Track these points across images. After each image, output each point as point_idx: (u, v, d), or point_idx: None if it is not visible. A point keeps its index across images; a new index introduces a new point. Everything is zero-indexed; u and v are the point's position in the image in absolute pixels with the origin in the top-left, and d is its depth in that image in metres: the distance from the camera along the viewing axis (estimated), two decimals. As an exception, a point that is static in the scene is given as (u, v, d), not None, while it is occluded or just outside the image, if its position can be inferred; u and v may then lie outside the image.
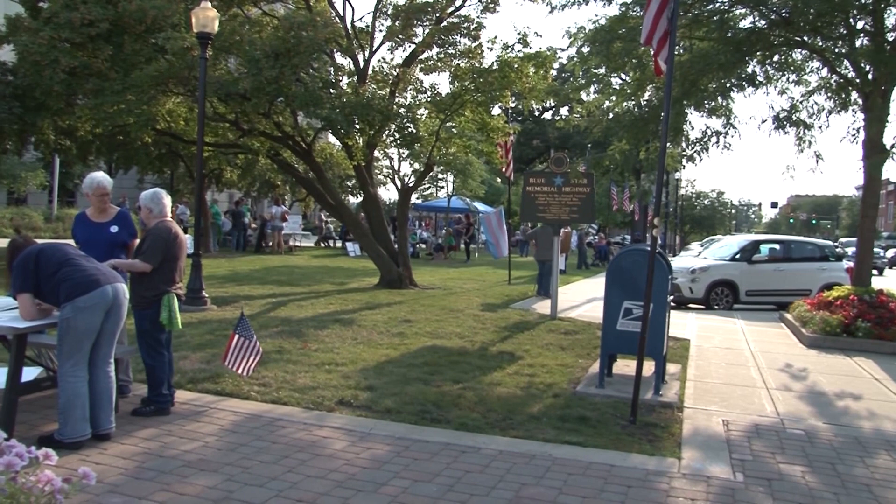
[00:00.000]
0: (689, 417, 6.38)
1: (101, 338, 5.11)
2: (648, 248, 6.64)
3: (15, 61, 15.93)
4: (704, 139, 13.09)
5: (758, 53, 12.35)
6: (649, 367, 7.22)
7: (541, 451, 5.25)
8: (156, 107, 15.53)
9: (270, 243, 26.62)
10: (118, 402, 5.54)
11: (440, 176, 36.59)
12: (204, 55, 11.61)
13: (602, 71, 15.67)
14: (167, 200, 6.04)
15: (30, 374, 5.97)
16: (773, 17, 11.78)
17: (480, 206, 36.89)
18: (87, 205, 6.42)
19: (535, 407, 6.45)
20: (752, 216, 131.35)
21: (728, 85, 12.54)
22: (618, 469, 4.95)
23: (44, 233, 26.71)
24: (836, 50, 12.15)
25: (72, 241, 6.13)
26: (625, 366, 8.07)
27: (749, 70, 12.70)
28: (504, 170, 19.66)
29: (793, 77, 13.22)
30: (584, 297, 15.83)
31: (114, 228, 6.23)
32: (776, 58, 12.96)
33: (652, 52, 6.33)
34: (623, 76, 16.79)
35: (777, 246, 18.28)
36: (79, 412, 4.94)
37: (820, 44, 12.15)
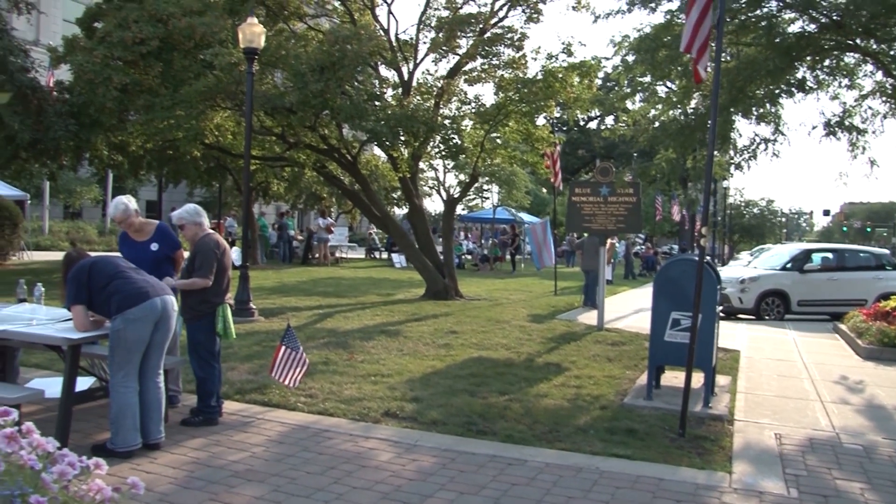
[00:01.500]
0: (740, 431, 6.25)
1: (151, 349, 5.19)
2: (696, 258, 6.54)
3: (71, 80, 16.38)
4: (753, 147, 12.92)
5: (807, 58, 12.14)
6: (698, 379, 7.09)
7: (588, 464, 5.19)
8: (204, 121, 15.85)
9: (317, 255, 26.84)
10: (168, 413, 5.62)
11: (485, 187, 36.55)
12: (251, 70, 11.78)
13: (647, 79, 15.55)
14: (204, 213, 6.13)
15: (84, 383, 6.09)
16: (823, 20, 11.56)
17: (526, 217, 36.77)
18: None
19: (582, 419, 6.39)
20: (804, 224, 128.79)
21: (777, 91, 12.35)
22: (667, 483, 4.87)
23: (97, 246, 27.31)
24: (892, 52, 11.87)
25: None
26: (673, 377, 7.94)
27: (798, 75, 12.49)
28: (552, 180, 19.53)
29: (845, 81, 12.96)
30: (630, 308, 15.66)
31: (154, 246, 6.23)
32: (827, 62, 12.73)
33: (699, 60, 6.24)
34: (668, 84, 16.65)
35: (830, 255, 17.89)
36: (129, 422, 5.02)
37: (874, 47, 11.89)
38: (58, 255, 24.02)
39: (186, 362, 6.10)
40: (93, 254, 5.60)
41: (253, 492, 4.47)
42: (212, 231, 6.08)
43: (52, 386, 5.90)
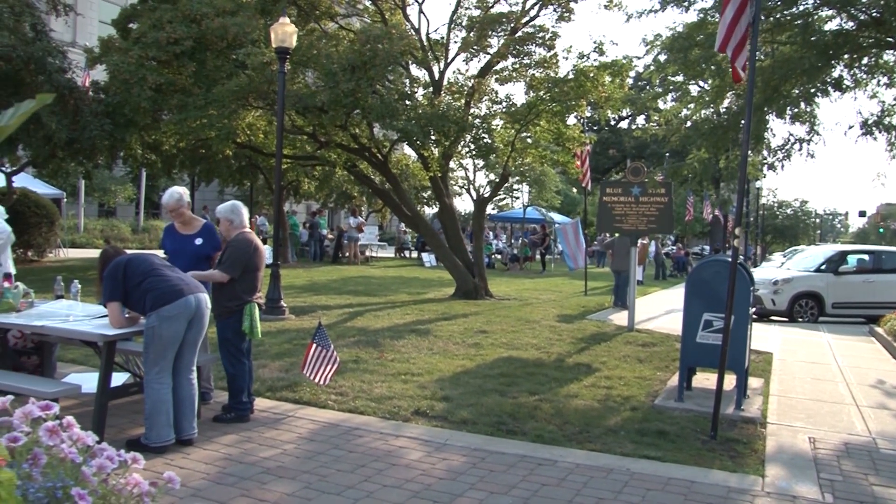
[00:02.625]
0: (773, 434, 6.18)
1: (184, 346, 5.25)
2: (729, 259, 6.48)
3: (106, 80, 16.62)
4: (787, 146, 12.77)
5: (845, 56, 11.96)
6: (730, 381, 7.03)
7: (619, 465, 5.17)
8: (236, 120, 15.99)
9: (347, 254, 26.97)
10: (200, 409, 5.68)
11: (515, 186, 36.45)
12: (282, 69, 11.87)
13: (680, 79, 15.43)
14: (245, 212, 6.19)
15: (118, 379, 6.18)
16: (862, 17, 11.38)
17: (556, 217, 36.64)
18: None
19: (613, 420, 6.36)
20: (838, 226, 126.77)
21: (812, 90, 12.19)
22: (698, 485, 4.83)
23: (131, 243, 27.67)
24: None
25: (160, 252, 6.33)
26: (704, 379, 7.88)
27: (835, 74, 12.33)
28: (581, 180, 19.44)
29: (884, 80, 12.76)
30: (661, 309, 15.54)
31: (199, 241, 6.39)
32: (865, 60, 12.53)
33: (729, 59, 6.18)
34: (701, 83, 16.50)
35: (866, 256, 17.60)
36: (163, 418, 5.09)
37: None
38: (93, 253, 24.39)
39: (218, 359, 6.16)
40: (128, 251, 5.68)
41: (284, 489, 4.51)
42: (248, 230, 6.14)
43: (88, 381, 5.99)
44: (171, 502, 4.17)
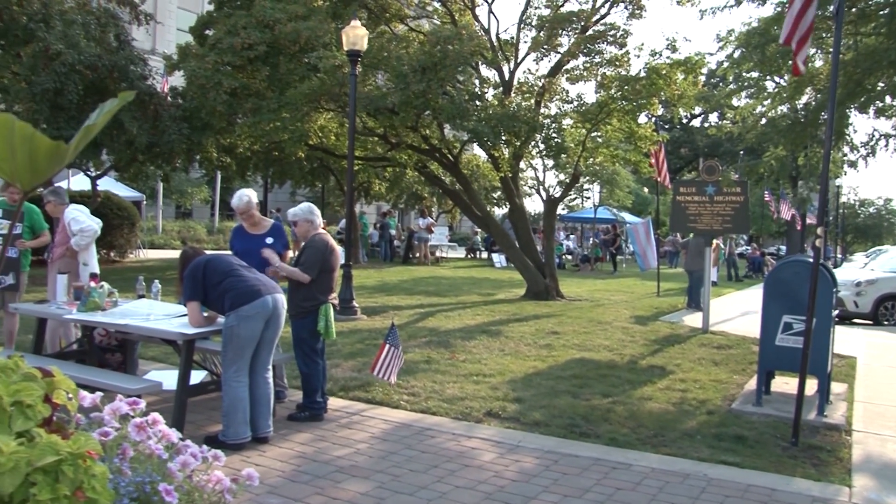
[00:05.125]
0: (860, 442, 5.95)
1: (261, 345, 5.35)
2: (809, 259, 6.29)
3: (184, 86, 17.09)
4: (871, 143, 12.31)
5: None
6: (811, 386, 6.81)
7: (695, 471, 5.06)
8: (308, 123, 16.26)
9: (417, 254, 27.13)
10: (275, 407, 5.78)
11: (586, 186, 36.11)
12: (354, 72, 12.00)
13: (755, 75, 15.04)
14: (319, 213, 6.28)
15: (196, 377, 6.34)
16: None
17: (627, 217, 36.17)
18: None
19: (688, 424, 6.23)
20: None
21: (899, 83, 11.71)
22: (780, 494, 4.68)
23: (206, 244, 28.34)
24: None
25: (229, 252, 6.47)
26: (784, 383, 7.66)
27: (923, 66, 11.81)
28: (659, 178, 19.05)
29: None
30: (737, 311, 15.19)
31: (269, 240, 6.49)
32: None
33: (814, 54, 5.99)
34: (777, 79, 16.06)
35: (955, 256, 16.87)
36: (240, 416, 5.19)
37: None
38: (170, 254, 25.11)
39: (293, 359, 6.26)
40: (206, 252, 5.82)
41: (358, 488, 4.55)
42: (323, 231, 6.23)
43: (167, 378, 6.16)
44: (249, 499, 4.25)
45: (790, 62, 12.13)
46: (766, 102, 15.41)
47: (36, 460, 1.74)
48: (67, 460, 1.78)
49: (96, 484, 1.82)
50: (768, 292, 6.97)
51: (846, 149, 13.90)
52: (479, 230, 32.80)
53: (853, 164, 13.78)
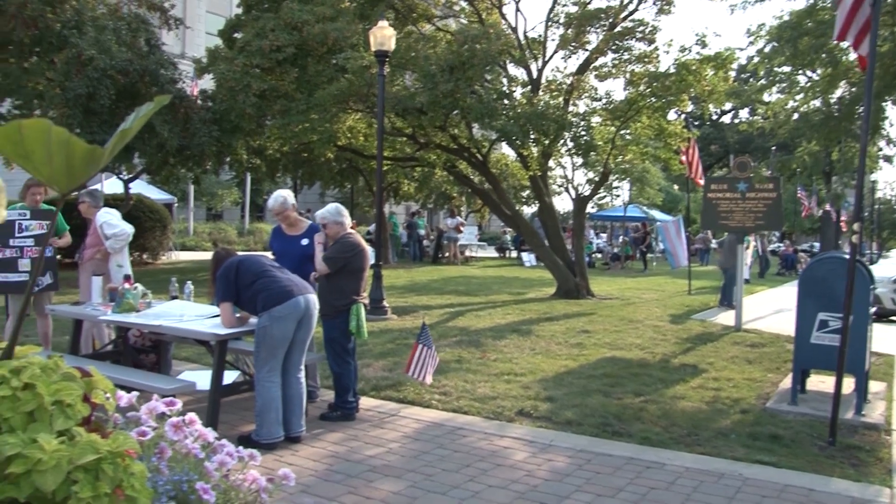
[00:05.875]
0: (899, 441, 5.86)
1: (293, 346, 5.38)
2: (844, 255, 6.19)
3: (214, 89, 17.25)
4: (908, 137, 12.08)
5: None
6: (848, 385, 6.70)
7: (730, 470, 5.00)
8: (337, 124, 16.32)
9: (447, 254, 27.14)
10: (307, 407, 5.81)
11: (615, 184, 35.88)
12: (382, 72, 12.03)
13: (787, 69, 14.84)
14: (347, 214, 6.31)
15: (229, 377, 6.39)
16: None
17: (658, 215, 35.89)
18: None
19: (722, 423, 6.17)
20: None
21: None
22: (818, 494, 4.62)
23: (237, 245, 28.57)
24: None
25: (268, 253, 6.52)
26: (819, 382, 7.56)
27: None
28: (691, 175, 18.80)
29: None
30: (769, 308, 15.01)
31: (304, 241, 6.53)
32: None
33: (848, 47, 5.89)
34: (810, 73, 15.82)
35: None
36: (273, 415, 5.22)
37: None
38: (202, 255, 25.35)
39: (324, 358, 6.28)
40: (238, 252, 5.86)
41: (390, 487, 4.56)
42: (353, 231, 6.25)
43: (201, 378, 6.20)
44: (282, 498, 4.26)
45: (823, 55, 11.99)
46: (798, 97, 15.20)
47: (77, 459, 1.77)
48: (107, 459, 1.81)
49: (135, 482, 1.84)
50: (803, 289, 6.88)
51: (882, 143, 13.67)
52: (508, 229, 32.76)
53: (889, 159, 13.56)
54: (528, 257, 27.32)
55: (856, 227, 5.85)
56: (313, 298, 5.45)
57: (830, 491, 4.68)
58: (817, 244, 46.86)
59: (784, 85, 16.38)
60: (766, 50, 14.43)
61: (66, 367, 2.05)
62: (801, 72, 15.01)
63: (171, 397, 2.52)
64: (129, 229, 7.39)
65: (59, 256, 7.97)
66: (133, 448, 1.91)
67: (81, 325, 6.84)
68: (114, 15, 16.35)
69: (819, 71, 13.78)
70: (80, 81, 14.33)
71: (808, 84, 15.20)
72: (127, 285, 6.24)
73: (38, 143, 1.71)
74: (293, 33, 15.47)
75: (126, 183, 18.40)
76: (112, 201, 14.29)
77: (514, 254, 32.30)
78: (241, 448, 2.38)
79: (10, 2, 14.31)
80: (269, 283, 5.26)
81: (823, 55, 11.94)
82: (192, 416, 2.36)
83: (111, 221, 7.28)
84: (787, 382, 7.48)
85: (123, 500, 1.80)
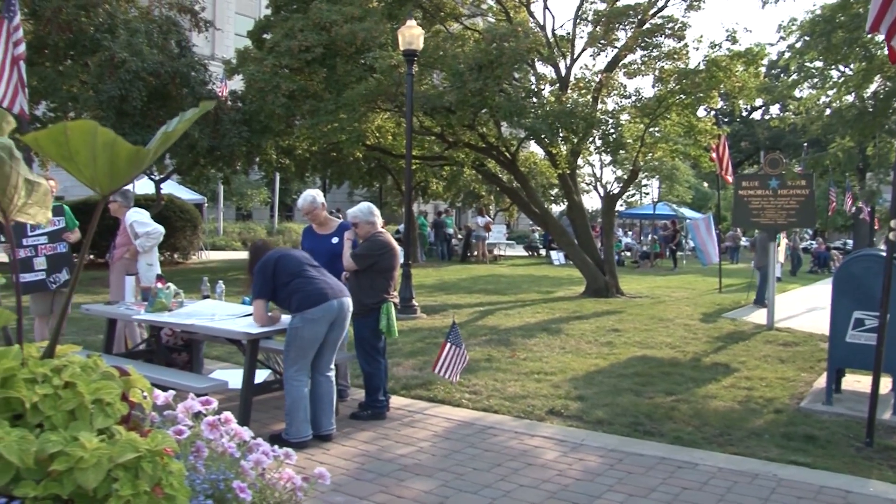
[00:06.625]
0: (939, 442, 5.75)
1: (324, 346, 5.40)
2: (881, 252, 6.09)
3: (243, 90, 17.40)
4: (944, 131, 11.86)
5: None
6: (885, 385, 6.60)
7: (764, 471, 4.95)
8: (366, 123, 16.40)
9: (475, 253, 27.14)
10: (338, 406, 5.83)
11: (644, 182, 35.62)
12: (410, 71, 12.05)
13: (819, 64, 14.58)
14: (378, 213, 6.32)
15: (260, 376, 6.44)
16: None
17: (687, 212, 35.59)
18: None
19: (755, 423, 6.10)
20: None
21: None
22: (855, 496, 4.54)
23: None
24: None
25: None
26: (855, 381, 7.45)
27: None
28: (722, 172, 18.58)
29: None
30: (802, 307, 14.82)
31: (334, 240, 6.57)
32: None
33: (881, 39, 5.80)
34: (843, 68, 15.53)
35: None
36: (302, 414, 5.25)
37: None
38: (232, 255, 25.58)
39: (355, 357, 6.31)
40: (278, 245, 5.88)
41: (422, 486, 4.57)
42: (383, 231, 6.26)
43: (232, 377, 6.26)
44: (314, 496, 4.27)
45: (858, 49, 11.78)
46: (830, 92, 14.94)
47: (117, 457, 1.79)
48: (146, 457, 1.83)
49: (174, 481, 1.87)
50: (838, 287, 6.78)
51: (920, 138, 13.38)
52: (536, 228, 32.67)
53: (925, 154, 13.26)
54: (558, 256, 27.23)
55: (893, 223, 5.76)
56: (347, 302, 5.46)
57: (868, 493, 4.61)
58: (850, 241, 46.18)
59: (816, 80, 16.13)
60: (798, 45, 14.20)
61: (105, 366, 2.08)
62: (834, 66, 14.75)
63: (207, 396, 2.54)
64: (160, 229, 7.46)
65: (91, 256, 8.01)
66: (171, 447, 1.94)
67: (115, 324, 6.92)
68: (145, 18, 16.56)
69: (853, 65, 13.55)
70: (112, 84, 14.53)
71: (842, 79, 14.96)
72: (160, 285, 6.31)
73: (83, 145, 1.73)
74: (322, 33, 15.54)
75: (157, 183, 18.62)
76: (143, 201, 14.48)
77: (542, 252, 32.21)
78: (276, 447, 2.39)
79: (46, 6, 14.55)
80: (304, 283, 5.28)
81: (858, 49, 11.72)
82: (227, 414, 2.38)
83: (141, 220, 7.34)
84: (821, 382, 7.38)
85: (162, 498, 1.82)
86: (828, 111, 14.38)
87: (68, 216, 7.58)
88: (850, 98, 13.80)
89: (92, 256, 16.31)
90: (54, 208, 7.42)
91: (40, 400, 1.86)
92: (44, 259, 7.27)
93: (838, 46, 11.37)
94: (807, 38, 12.58)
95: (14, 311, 2.06)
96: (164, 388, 2.59)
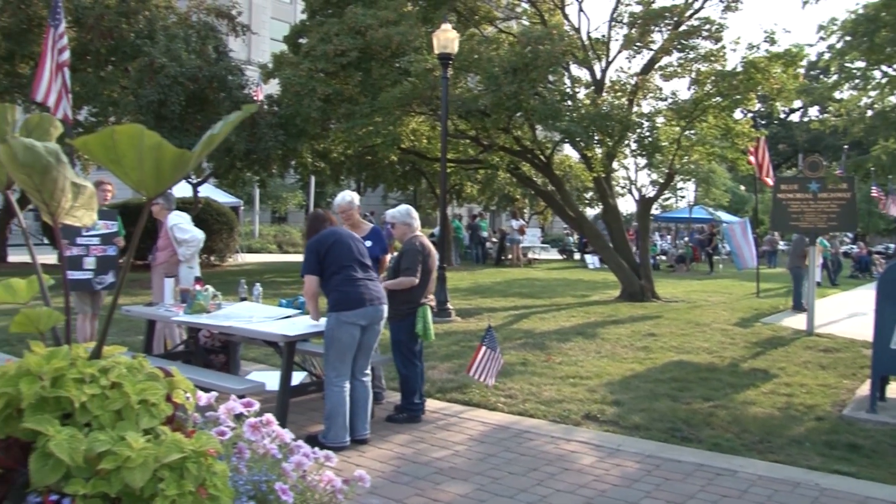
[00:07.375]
0: None
1: (359, 350, 5.42)
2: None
3: (279, 93, 17.56)
4: None
5: None
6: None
7: (806, 479, 4.87)
8: (401, 127, 16.45)
9: (510, 256, 27.09)
10: (373, 409, 5.84)
11: (680, 185, 35.35)
12: (445, 75, 12.08)
13: (861, 65, 14.34)
14: (416, 216, 6.33)
15: (297, 378, 6.48)
16: None
17: (724, 216, 35.20)
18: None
19: (796, 430, 6.01)
20: None
21: None
22: (900, 506, 4.46)
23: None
24: None
25: None
26: (900, 388, 7.30)
27: None
28: (761, 176, 18.32)
29: None
30: (844, 312, 14.57)
31: (367, 243, 6.59)
32: None
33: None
34: (886, 68, 15.23)
35: None
36: (341, 420, 5.26)
37: None
38: (267, 258, 25.82)
39: (391, 360, 6.32)
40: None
41: (457, 489, 4.56)
42: (419, 233, 6.27)
43: (269, 379, 6.30)
44: (349, 499, 4.30)
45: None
46: (873, 93, 14.69)
47: (163, 457, 1.82)
48: (191, 458, 1.85)
49: (217, 482, 1.88)
50: (882, 293, 6.65)
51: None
52: (571, 231, 32.52)
53: (970, 157, 12.95)
54: (593, 259, 27.07)
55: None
56: (383, 309, 5.48)
57: (914, 503, 4.52)
58: (892, 245, 45.32)
59: (857, 81, 15.86)
60: (839, 45, 13.98)
61: (150, 367, 2.11)
62: (876, 67, 14.49)
63: (247, 398, 2.56)
64: (200, 235, 7.55)
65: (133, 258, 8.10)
66: (215, 448, 1.95)
67: (155, 325, 7.02)
68: (184, 23, 16.80)
69: (896, 66, 13.31)
70: (151, 89, 14.76)
71: (885, 79, 14.69)
72: (198, 287, 6.38)
73: (129, 148, 1.76)
74: (357, 38, 15.64)
75: (195, 186, 18.85)
76: (181, 204, 14.63)
77: (577, 256, 32.04)
78: (316, 449, 2.41)
79: (89, 14, 14.82)
80: (345, 282, 5.29)
81: (902, 47, 11.50)
82: (268, 416, 2.39)
83: (182, 225, 7.44)
84: (864, 389, 7.25)
85: (207, 498, 1.84)
86: (870, 112, 14.15)
87: (119, 223, 7.75)
88: (893, 99, 13.56)
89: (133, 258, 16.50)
90: (109, 213, 7.63)
91: (88, 400, 1.90)
92: (93, 259, 7.44)
93: (882, 46, 11.17)
94: (848, 38, 12.38)
95: (62, 311, 2.10)
96: (205, 390, 2.62)
